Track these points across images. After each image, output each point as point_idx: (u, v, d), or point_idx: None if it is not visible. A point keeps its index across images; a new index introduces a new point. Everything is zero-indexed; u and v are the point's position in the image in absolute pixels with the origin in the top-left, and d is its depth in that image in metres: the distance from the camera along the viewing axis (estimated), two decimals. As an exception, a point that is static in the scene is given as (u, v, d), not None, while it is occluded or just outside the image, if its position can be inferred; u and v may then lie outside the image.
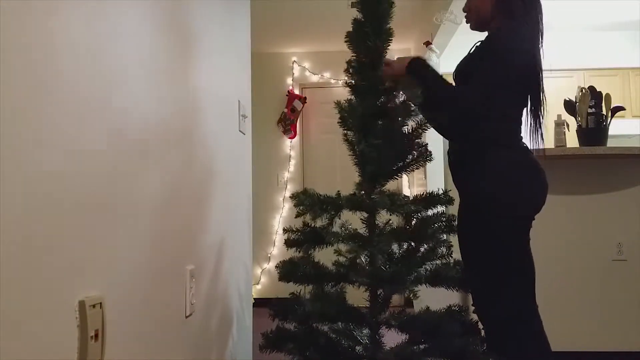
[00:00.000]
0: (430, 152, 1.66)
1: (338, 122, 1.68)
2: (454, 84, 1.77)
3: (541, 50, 1.68)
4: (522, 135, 1.70)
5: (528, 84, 1.68)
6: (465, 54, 1.77)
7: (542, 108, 1.71)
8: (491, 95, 1.59)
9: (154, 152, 1.23)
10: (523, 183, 1.61)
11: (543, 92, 1.70)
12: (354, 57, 1.71)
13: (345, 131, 1.68)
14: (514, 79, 1.62)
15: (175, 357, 1.35)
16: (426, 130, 1.67)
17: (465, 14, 1.81)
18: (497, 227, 1.60)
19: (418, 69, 1.67)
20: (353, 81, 1.70)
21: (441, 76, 1.68)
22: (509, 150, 1.64)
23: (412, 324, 1.57)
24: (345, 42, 1.70)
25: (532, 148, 1.71)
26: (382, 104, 1.68)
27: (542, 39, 1.68)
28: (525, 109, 1.72)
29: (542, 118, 1.73)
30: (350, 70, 1.70)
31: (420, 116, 1.64)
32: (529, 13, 1.66)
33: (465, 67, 1.71)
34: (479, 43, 1.71)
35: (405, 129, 1.66)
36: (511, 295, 1.60)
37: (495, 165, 1.61)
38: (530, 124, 1.72)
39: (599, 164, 2.92)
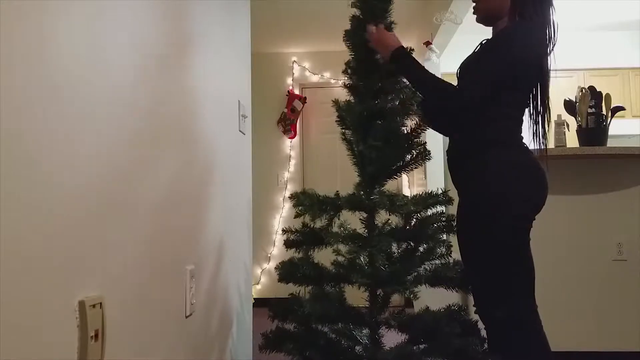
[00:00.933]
0: (428, 151, 1.66)
1: (336, 121, 1.68)
2: (456, 82, 1.75)
3: (550, 57, 1.66)
4: (522, 135, 1.69)
5: (532, 85, 1.68)
6: (466, 53, 1.75)
7: (547, 113, 1.70)
8: (490, 94, 1.58)
9: (154, 152, 1.23)
10: (521, 182, 1.61)
11: (548, 98, 1.69)
12: (352, 56, 1.70)
13: (343, 130, 1.68)
14: (518, 78, 1.61)
15: (175, 357, 1.35)
16: (425, 130, 1.66)
17: (474, 4, 1.74)
18: (496, 226, 1.59)
19: (402, 59, 1.65)
20: (351, 82, 1.69)
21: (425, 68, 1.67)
22: (509, 150, 1.63)
23: (412, 324, 1.57)
24: (344, 40, 1.70)
25: (534, 149, 1.70)
26: (381, 104, 1.67)
27: (552, 44, 1.67)
28: (527, 110, 1.71)
29: (548, 125, 1.72)
30: (349, 71, 1.69)
31: (419, 116, 1.64)
32: (542, 15, 1.66)
33: (469, 66, 1.70)
34: (485, 41, 1.69)
35: (404, 128, 1.65)
36: (511, 296, 1.60)
37: (494, 164, 1.61)
38: (536, 130, 1.71)
39: (599, 164, 2.92)
